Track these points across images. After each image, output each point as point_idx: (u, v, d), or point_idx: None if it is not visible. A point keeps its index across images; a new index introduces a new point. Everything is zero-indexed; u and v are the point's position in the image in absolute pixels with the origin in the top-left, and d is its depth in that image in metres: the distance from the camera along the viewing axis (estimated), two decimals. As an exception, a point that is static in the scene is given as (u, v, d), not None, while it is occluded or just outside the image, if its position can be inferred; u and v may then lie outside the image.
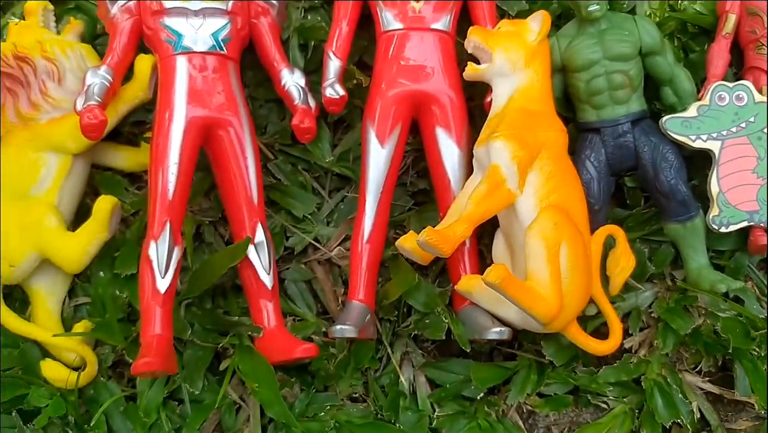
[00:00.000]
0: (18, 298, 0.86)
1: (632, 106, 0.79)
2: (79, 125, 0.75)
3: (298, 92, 0.82)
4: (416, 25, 0.80)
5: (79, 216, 0.85)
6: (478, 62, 0.80)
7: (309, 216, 0.87)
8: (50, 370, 0.80)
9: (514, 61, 0.76)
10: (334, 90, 0.80)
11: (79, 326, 0.82)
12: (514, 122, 0.75)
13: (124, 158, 0.86)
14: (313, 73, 0.88)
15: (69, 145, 0.80)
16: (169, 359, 0.75)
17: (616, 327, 0.77)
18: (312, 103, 0.82)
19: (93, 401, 0.82)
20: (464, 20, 0.84)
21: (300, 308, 0.85)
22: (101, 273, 0.83)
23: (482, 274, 0.79)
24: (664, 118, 0.79)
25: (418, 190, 0.88)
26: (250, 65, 0.87)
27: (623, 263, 0.78)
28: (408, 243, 0.77)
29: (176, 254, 0.76)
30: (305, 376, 0.84)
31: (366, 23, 0.85)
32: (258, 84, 0.88)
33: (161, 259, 0.75)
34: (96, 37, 0.91)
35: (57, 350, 0.82)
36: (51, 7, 0.87)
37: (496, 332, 0.76)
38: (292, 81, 0.82)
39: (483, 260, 0.83)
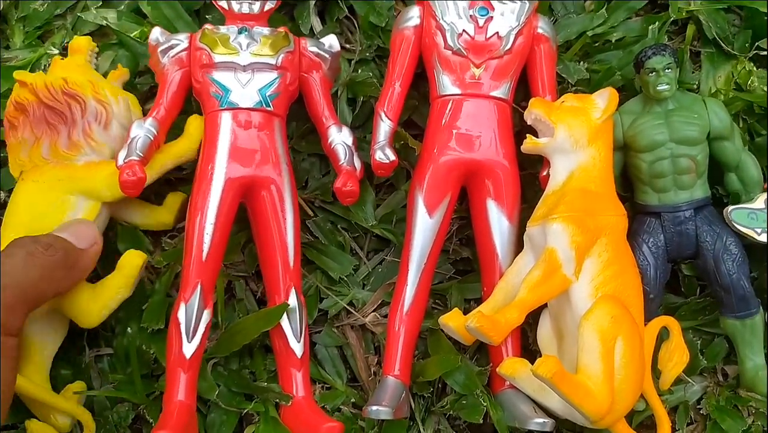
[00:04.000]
0: None
1: (696, 192, 0.76)
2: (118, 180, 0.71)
3: (344, 152, 0.78)
4: (474, 91, 0.77)
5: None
6: (536, 134, 0.77)
7: (345, 278, 0.83)
8: None
9: (576, 139, 0.73)
10: (384, 154, 0.76)
11: (75, 386, 0.77)
12: (573, 204, 0.71)
13: (142, 216, 0.82)
14: (360, 127, 0.86)
15: (104, 193, 0.77)
16: (189, 427, 0.72)
17: (665, 425, 0.73)
18: (357, 164, 0.78)
19: (108, 460, 0.78)
20: (520, 86, 0.81)
21: (330, 375, 0.82)
22: (128, 328, 0.79)
23: (524, 355, 0.77)
24: (730, 209, 0.75)
25: (460, 259, 0.84)
26: (294, 117, 0.84)
27: (677, 357, 0.74)
28: (452, 322, 0.73)
29: (205, 317, 0.73)
30: (331, 448, 0.80)
31: (417, 82, 0.82)
32: (301, 137, 0.85)
33: (189, 322, 0.72)
34: (137, 75, 0.88)
35: (45, 410, 0.76)
36: (96, 49, 0.84)
37: (538, 423, 0.72)
38: (340, 139, 0.79)
39: (525, 338, 0.79)
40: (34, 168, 0.78)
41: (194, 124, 0.79)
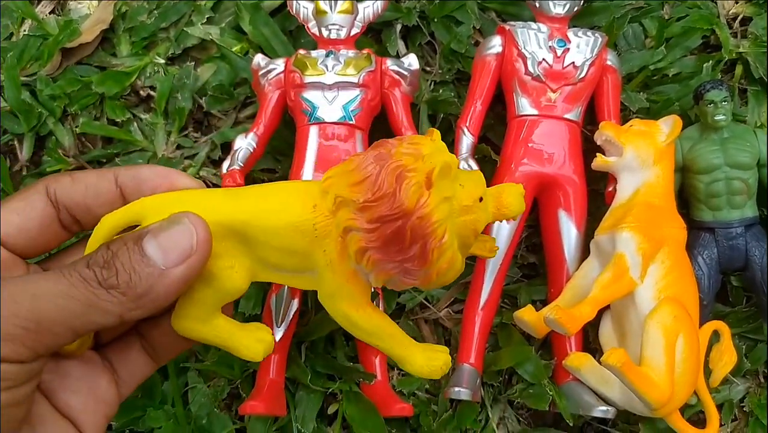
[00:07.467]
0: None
1: (746, 211, 0.84)
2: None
3: None
4: (549, 113, 0.86)
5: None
6: (603, 153, 0.86)
7: (422, 276, 0.92)
8: None
9: (643, 158, 0.82)
10: (468, 165, 0.85)
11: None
12: (640, 215, 0.80)
13: None
14: (438, 142, 0.94)
15: None
16: (278, 402, 0.81)
17: (714, 418, 0.82)
18: None
19: (205, 430, 0.86)
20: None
21: (406, 364, 0.90)
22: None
23: (584, 351, 0.85)
24: (777, 227, 0.84)
25: (527, 264, 0.93)
26: (377, 129, 0.93)
27: (726, 358, 0.82)
28: (527, 316, 0.81)
29: (293, 306, 0.83)
30: (404, 428, 0.88)
31: (492, 103, 0.91)
32: (385, 147, 0.94)
33: (278, 310, 0.82)
34: (235, 86, 0.97)
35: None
36: None
37: (602, 411, 0.81)
38: None
39: (586, 338, 0.88)
40: None
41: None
